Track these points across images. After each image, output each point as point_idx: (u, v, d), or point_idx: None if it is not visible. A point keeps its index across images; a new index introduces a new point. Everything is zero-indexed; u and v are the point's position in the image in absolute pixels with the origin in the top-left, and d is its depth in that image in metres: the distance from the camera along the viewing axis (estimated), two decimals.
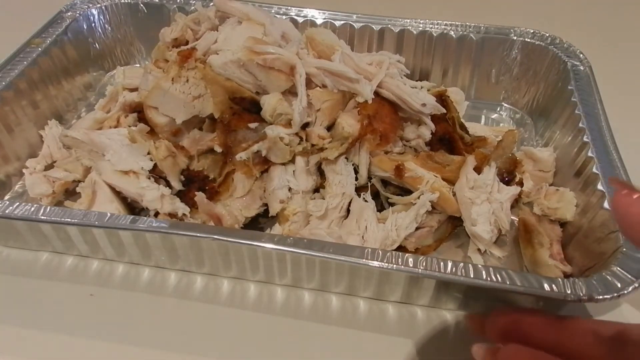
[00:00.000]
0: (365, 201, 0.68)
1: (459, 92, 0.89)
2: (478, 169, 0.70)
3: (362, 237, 0.65)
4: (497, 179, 0.70)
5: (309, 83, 0.70)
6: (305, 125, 0.70)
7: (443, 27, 0.90)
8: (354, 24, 0.92)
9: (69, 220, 0.59)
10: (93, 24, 0.93)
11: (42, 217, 0.59)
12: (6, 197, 0.76)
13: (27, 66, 0.81)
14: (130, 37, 0.97)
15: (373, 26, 0.92)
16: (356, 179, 0.70)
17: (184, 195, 0.70)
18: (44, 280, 0.66)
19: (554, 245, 0.66)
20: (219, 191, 0.69)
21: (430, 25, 0.91)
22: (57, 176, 0.73)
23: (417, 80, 0.87)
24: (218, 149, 0.70)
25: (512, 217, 0.71)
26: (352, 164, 0.70)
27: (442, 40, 0.91)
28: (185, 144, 0.74)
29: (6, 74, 0.79)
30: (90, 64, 0.94)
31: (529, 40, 0.88)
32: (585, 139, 0.71)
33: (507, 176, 0.73)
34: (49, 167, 0.77)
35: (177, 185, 0.70)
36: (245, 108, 0.71)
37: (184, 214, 0.67)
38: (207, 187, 0.69)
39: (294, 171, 0.69)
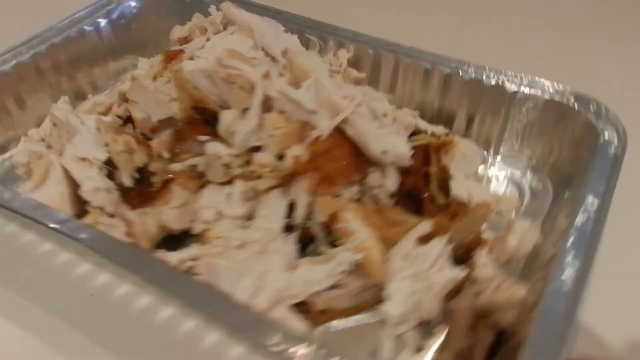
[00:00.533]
0: (291, 243, 0.63)
1: (473, 146, 0.79)
2: (427, 238, 0.61)
3: (261, 279, 0.60)
4: (447, 257, 0.61)
5: (270, 107, 0.66)
6: (256, 149, 0.66)
7: (478, 70, 0.80)
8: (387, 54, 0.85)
9: None
10: (136, 10, 0.96)
11: None
12: None
13: (60, 43, 0.86)
14: (168, 28, 0.96)
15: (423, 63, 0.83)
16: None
17: (127, 193, 0.70)
18: None
19: (478, 349, 0.56)
20: (155, 197, 0.68)
21: (463, 67, 0.81)
22: (38, 150, 0.77)
23: (436, 124, 0.80)
24: (165, 155, 0.69)
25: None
26: (290, 201, 0.65)
27: (476, 86, 0.81)
28: (154, 143, 0.74)
29: (38, 47, 0.84)
30: (128, 52, 0.97)
31: (559, 99, 0.75)
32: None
33: (463, 254, 0.63)
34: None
35: (127, 182, 0.70)
36: (206, 120, 0.69)
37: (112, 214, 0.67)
38: (145, 190, 0.69)
39: (228, 194, 0.66)
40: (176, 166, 0.66)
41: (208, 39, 0.78)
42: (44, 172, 0.71)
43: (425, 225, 0.62)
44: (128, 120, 0.79)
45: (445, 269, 0.60)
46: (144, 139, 0.73)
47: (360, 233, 0.61)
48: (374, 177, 0.67)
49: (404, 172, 0.68)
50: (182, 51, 0.75)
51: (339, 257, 0.60)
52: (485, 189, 0.76)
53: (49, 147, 0.78)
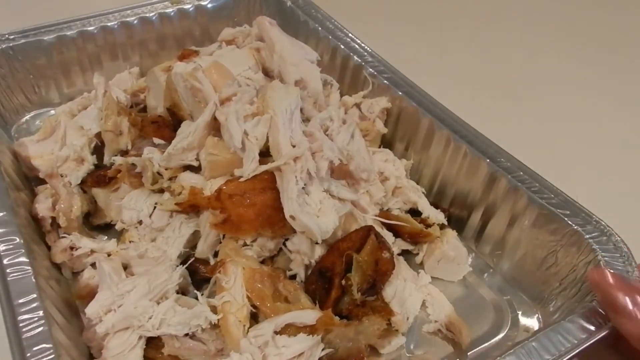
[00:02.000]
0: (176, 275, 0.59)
1: (462, 252, 0.66)
2: (312, 330, 0.52)
3: (122, 298, 0.57)
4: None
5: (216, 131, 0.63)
6: (195, 170, 0.63)
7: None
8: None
9: None
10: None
11: None
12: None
13: (150, 19, 0.90)
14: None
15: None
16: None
17: (97, 169, 0.72)
18: None
19: None
20: (107, 183, 0.69)
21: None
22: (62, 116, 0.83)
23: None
24: (129, 147, 0.69)
25: None
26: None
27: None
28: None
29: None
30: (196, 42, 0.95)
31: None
32: None
33: None
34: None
35: (106, 160, 0.73)
36: (175, 123, 0.68)
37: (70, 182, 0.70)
38: (103, 173, 0.70)
39: (156, 203, 0.64)
40: (118, 159, 0.66)
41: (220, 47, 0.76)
42: (50, 129, 0.77)
43: (305, 315, 0.53)
44: None
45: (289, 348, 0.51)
46: (142, 126, 0.74)
47: (232, 292, 0.55)
48: (295, 242, 0.59)
49: (333, 248, 0.58)
50: (197, 52, 0.75)
51: (195, 309, 0.54)
52: (442, 305, 0.62)
53: (72, 114, 0.83)
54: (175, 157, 0.62)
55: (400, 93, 0.76)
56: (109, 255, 0.64)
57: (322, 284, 0.58)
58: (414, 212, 0.70)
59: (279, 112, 0.61)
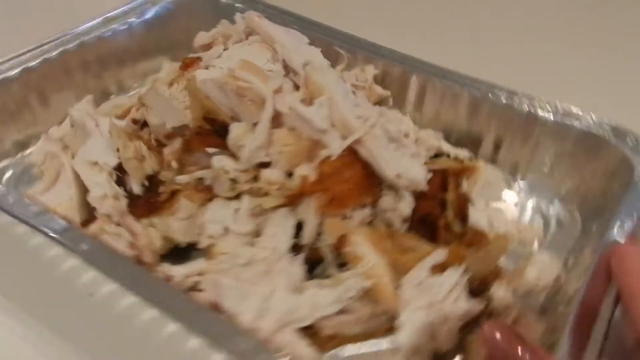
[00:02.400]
0: (297, 265, 0.61)
1: (497, 173, 0.76)
2: (442, 267, 0.58)
3: (266, 302, 0.58)
4: (462, 287, 0.57)
5: (280, 123, 0.64)
6: (265, 165, 0.64)
7: (509, 95, 0.76)
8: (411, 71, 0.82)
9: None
10: (169, 12, 0.94)
11: None
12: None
13: (89, 42, 0.85)
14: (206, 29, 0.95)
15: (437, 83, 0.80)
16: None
17: (135, 200, 0.69)
18: None
19: None
20: (162, 207, 0.67)
21: (495, 90, 0.77)
22: (53, 149, 0.77)
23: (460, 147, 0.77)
24: (174, 165, 0.67)
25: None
26: (298, 220, 0.63)
27: (508, 110, 0.77)
28: (166, 151, 0.73)
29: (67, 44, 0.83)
30: (159, 53, 0.95)
31: (595, 131, 0.70)
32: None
33: (479, 286, 0.59)
34: None
35: (136, 189, 0.69)
36: (216, 130, 0.68)
37: (118, 223, 0.66)
38: (152, 200, 0.67)
39: (235, 209, 0.64)
40: (182, 178, 0.64)
41: (226, 48, 0.76)
42: (54, 174, 0.70)
43: (439, 254, 0.59)
44: (145, 124, 0.78)
45: (461, 300, 0.57)
46: (158, 146, 0.71)
47: (369, 258, 0.58)
48: (386, 201, 0.64)
49: (420, 196, 0.65)
50: (199, 58, 0.74)
51: (347, 283, 0.57)
52: (507, 217, 0.72)
53: (66, 147, 0.77)
54: (251, 158, 0.62)
55: (379, 57, 0.83)
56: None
57: (425, 230, 0.64)
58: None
59: (335, 92, 0.65)
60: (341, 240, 0.60)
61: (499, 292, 0.59)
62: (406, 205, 0.64)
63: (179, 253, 0.67)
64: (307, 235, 0.62)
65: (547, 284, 0.61)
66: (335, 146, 0.61)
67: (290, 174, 0.64)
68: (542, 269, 0.61)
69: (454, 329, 0.56)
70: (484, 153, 0.80)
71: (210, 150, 0.65)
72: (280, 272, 0.60)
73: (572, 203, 0.75)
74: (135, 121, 0.79)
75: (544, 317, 0.58)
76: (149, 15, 0.92)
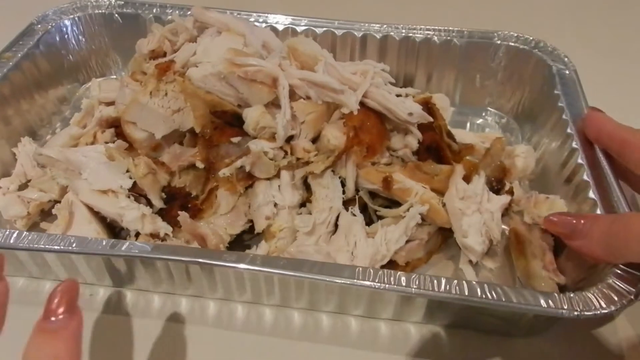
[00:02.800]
0: (354, 215, 0.66)
1: (444, 98, 0.87)
2: (467, 178, 0.69)
3: (352, 253, 0.63)
4: (486, 189, 0.69)
5: (293, 95, 0.68)
6: (289, 139, 0.68)
7: (426, 32, 0.89)
8: (335, 31, 0.90)
9: (47, 247, 0.56)
10: (66, 36, 0.90)
11: (20, 245, 0.56)
12: None
13: None
14: (105, 48, 0.94)
15: (355, 33, 0.89)
16: (343, 192, 0.68)
17: (165, 214, 0.67)
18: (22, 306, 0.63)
19: (546, 254, 0.65)
20: (202, 208, 0.67)
21: (413, 31, 0.89)
22: (31, 197, 0.70)
23: (401, 87, 0.87)
24: (200, 165, 0.67)
25: (503, 227, 0.70)
26: (339, 177, 0.68)
27: (426, 46, 0.89)
28: (166, 159, 0.71)
29: None
30: (64, 77, 0.91)
31: (512, 44, 0.87)
32: (574, 145, 0.70)
33: (497, 185, 0.72)
34: (23, 186, 0.74)
35: (158, 203, 0.68)
36: (227, 122, 0.69)
37: (166, 234, 0.65)
38: (189, 205, 0.67)
39: (279, 186, 0.67)
40: (225, 171, 0.65)
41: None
42: (68, 215, 0.65)
43: (460, 169, 0.69)
44: None
45: (493, 198, 0.68)
46: (210, 137, 0.69)
47: (415, 188, 0.67)
48: (396, 140, 0.73)
49: (421, 130, 0.74)
50: (172, 61, 0.72)
51: (411, 212, 0.65)
52: (467, 132, 0.85)
53: (41, 191, 0.71)
54: (285, 135, 0.66)
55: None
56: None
57: (431, 155, 0.74)
58: None
59: (327, 56, 0.71)
60: (387, 182, 0.67)
61: (515, 185, 0.72)
62: (414, 140, 0.73)
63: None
64: (351, 188, 0.68)
65: (533, 167, 0.76)
66: (352, 102, 0.67)
67: (313, 140, 0.69)
68: (526, 157, 0.75)
69: (499, 222, 0.68)
70: (419, 88, 0.92)
71: (235, 139, 0.67)
72: (349, 225, 0.65)
73: (503, 111, 0.92)
74: (107, 143, 0.75)
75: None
76: (44, 42, 0.87)
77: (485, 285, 0.53)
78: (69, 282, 0.45)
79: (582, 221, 0.57)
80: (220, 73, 0.66)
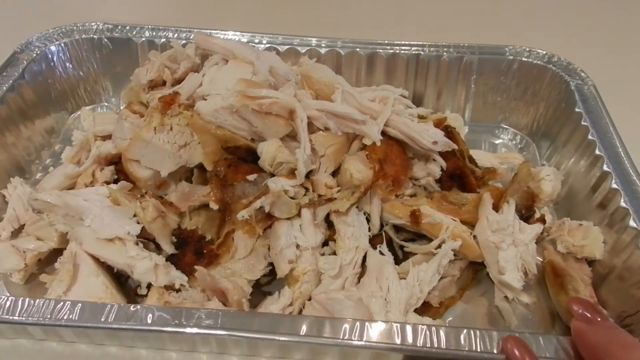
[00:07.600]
0: (382, 254, 0.62)
1: (458, 118, 0.85)
2: (495, 207, 0.65)
3: (385, 299, 0.59)
4: (517, 217, 0.65)
5: (310, 126, 0.63)
6: (308, 173, 0.63)
7: (435, 49, 0.85)
8: (340, 50, 0.85)
9: (59, 323, 0.51)
10: (52, 63, 0.84)
11: (31, 321, 0.51)
12: None
13: None
14: (94, 74, 0.88)
15: (360, 52, 0.85)
16: (368, 228, 0.64)
17: (178, 260, 0.62)
18: None
19: (586, 287, 0.62)
20: (219, 253, 0.62)
21: (422, 48, 0.85)
22: (28, 247, 0.64)
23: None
24: (215, 207, 0.62)
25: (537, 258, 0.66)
26: (364, 213, 0.64)
27: (435, 63, 0.85)
28: (173, 199, 0.66)
29: None
30: (51, 106, 0.85)
31: (525, 59, 0.83)
32: (605, 168, 0.67)
33: (526, 212, 0.68)
34: (17, 231, 0.68)
35: (169, 249, 0.63)
36: (240, 157, 0.64)
37: (182, 285, 0.59)
38: (204, 250, 0.62)
39: (300, 225, 0.62)
40: (244, 213, 0.60)
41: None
42: (72, 268, 0.59)
43: (488, 198, 0.65)
44: (115, 183, 0.69)
45: (525, 228, 0.64)
46: (224, 176, 0.63)
47: (445, 222, 0.63)
48: (418, 168, 0.69)
49: (444, 157, 0.70)
50: (177, 94, 0.67)
51: (443, 249, 0.61)
52: (485, 153, 0.81)
53: (38, 239, 0.65)
54: (305, 170, 0.61)
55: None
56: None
57: (456, 183, 0.70)
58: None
59: (343, 83, 0.66)
60: (415, 216, 0.63)
61: (543, 210, 0.69)
62: (435, 167, 0.69)
63: None
64: (377, 224, 0.64)
65: (559, 190, 0.73)
66: (374, 133, 0.63)
67: (333, 173, 0.64)
68: (552, 180, 0.72)
69: (534, 253, 0.64)
70: (428, 106, 0.88)
71: (251, 177, 0.62)
72: (380, 267, 0.61)
73: (518, 129, 0.88)
74: (107, 183, 0.70)
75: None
76: (30, 72, 0.81)
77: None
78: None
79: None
80: (232, 106, 0.61)
